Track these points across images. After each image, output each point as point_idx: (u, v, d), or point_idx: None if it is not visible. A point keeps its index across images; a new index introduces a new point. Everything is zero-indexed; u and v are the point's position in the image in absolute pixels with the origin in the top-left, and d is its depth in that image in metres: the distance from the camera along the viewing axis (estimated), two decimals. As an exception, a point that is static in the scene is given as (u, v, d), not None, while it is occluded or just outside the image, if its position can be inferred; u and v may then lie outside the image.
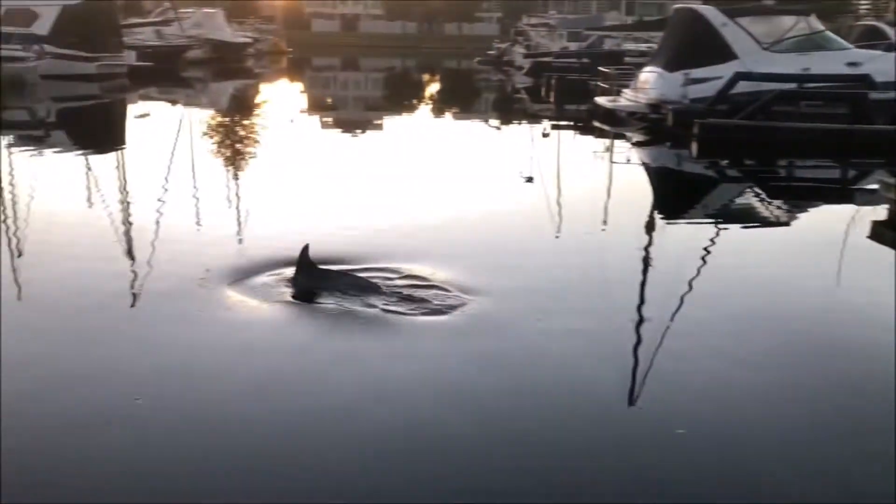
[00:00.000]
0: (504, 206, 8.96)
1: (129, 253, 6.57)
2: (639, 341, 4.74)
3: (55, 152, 13.19)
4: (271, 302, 5.26)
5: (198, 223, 7.89)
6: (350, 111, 24.59)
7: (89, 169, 11.28)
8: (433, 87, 36.84)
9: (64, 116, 19.95)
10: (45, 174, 10.84)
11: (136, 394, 3.96)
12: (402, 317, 4.98)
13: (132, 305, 5.34)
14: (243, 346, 4.64)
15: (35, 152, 12.91)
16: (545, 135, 16.71)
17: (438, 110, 25.02)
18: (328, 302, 5.23)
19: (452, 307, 5.13)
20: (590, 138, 16.18)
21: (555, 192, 9.78)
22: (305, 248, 5.53)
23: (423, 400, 4.00)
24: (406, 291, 5.33)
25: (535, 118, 20.74)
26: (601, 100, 18.14)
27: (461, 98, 30.14)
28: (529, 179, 10.60)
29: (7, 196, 8.99)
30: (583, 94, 20.91)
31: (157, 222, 7.65)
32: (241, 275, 5.74)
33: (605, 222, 8.35)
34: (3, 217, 7.91)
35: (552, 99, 23.30)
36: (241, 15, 65.70)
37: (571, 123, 19.42)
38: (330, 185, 9.98)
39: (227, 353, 4.58)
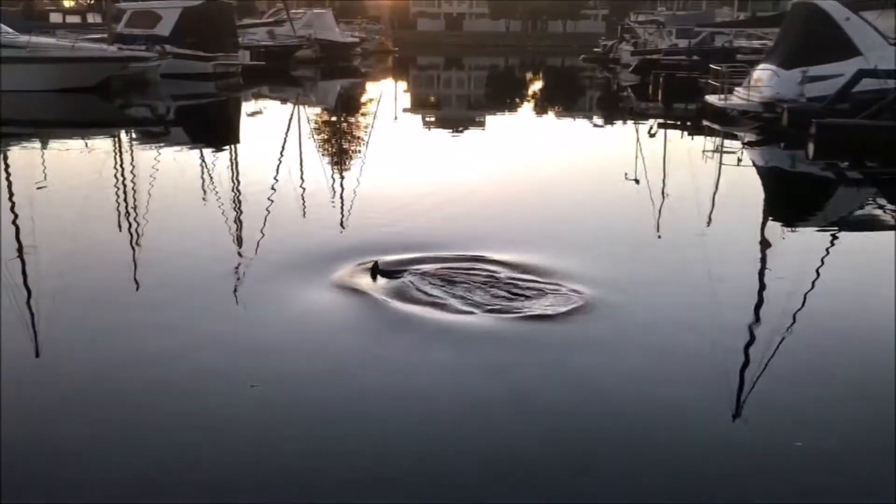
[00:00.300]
0: (609, 206, 8.82)
1: (238, 241, 6.85)
2: (747, 357, 4.56)
3: (174, 148, 13.89)
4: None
5: (303, 214, 8.10)
6: (453, 109, 24.73)
7: (204, 163, 11.82)
8: (536, 85, 36.61)
9: (182, 113, 20.94)
10: (165, 168, 11.41)
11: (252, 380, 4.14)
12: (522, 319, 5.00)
13: (235, 290, 5.54)
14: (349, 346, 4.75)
15: (155, 147, 13.63)
16: (651, 134, 16.32)
17: (541, 108, 24.83)
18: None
19: (572, 310, 5.11)
20: (699, 138, 15.69)
21: (661, 192, 9.52)
22: (375, 266, 5.70)
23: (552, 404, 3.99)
24: (514, 289, 5.36)
25: (641, 117, 20.29)
26: (711, 98, 17.59)
27: (565, 96, 29.82)
28: (635, 180, 10.38)
29: (129, 186, 9.54)
30: (692, 93, 20.30)
31: (267, 210, 7.91)
32: (343, 266, 5.89)
33: (713, 226, 8.06)
34: (126, 206, 8.38)
35: (659, 97, 22.76)
36: (349, 15, 67.22)
37: (679, 122, 18.90)
38: (432, 180, 10.08)
39: (330, 348, 4.69)
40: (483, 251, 6.29)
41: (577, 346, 4.65)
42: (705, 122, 16.64)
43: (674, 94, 21.98)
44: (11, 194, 9.29)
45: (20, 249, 6.57)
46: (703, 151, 14.01)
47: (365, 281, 5.63)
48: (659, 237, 7.51)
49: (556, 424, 3.77)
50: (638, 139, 15.71)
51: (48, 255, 6.33)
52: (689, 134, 16.48)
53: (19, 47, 20.77)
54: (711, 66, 19.97)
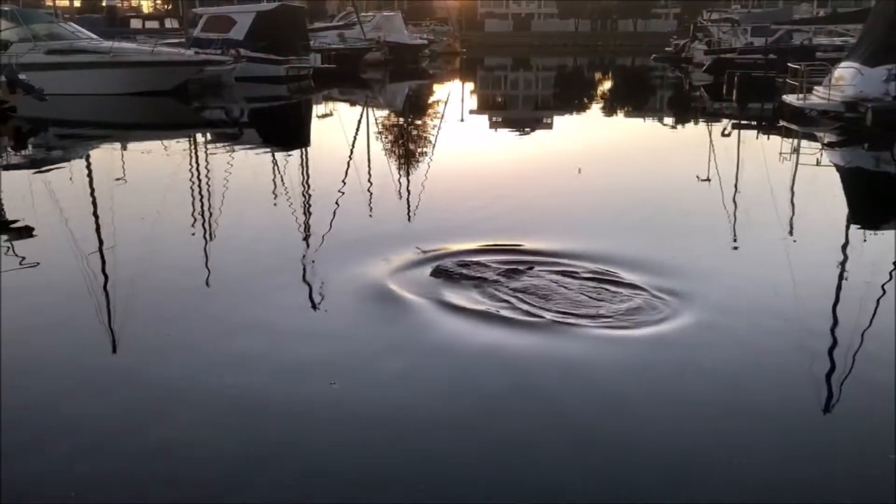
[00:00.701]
0: (681, 208, 8.62)
1: (307, 236, 6.97)
2: (832, 364, 4.40)
3: (246, 148, 14.23)
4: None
5: (370, 214, 8.17)
6: (520, 110, 24.62)
7: (275, 162, 12.07)
8: (605, 85, 36.13)
9: (255, 116, 21.43)
10: (238, 167, 11.68)
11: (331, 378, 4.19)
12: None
13: (308, 287, 5.62)
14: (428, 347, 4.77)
15: (229, 148, 13.98)
16: (725, 134, 15.90)
17: (610, 108, 24.50)
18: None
19: (659, 318, 5.02)
20: (775, 138, 15.21)
21: (736, 193, 9.26)
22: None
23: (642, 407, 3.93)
24: (590, 292, 5.31)
25: (714, 116, 19.80)
26: (789, 98, 17.04)
27: (635, 96, 29.34)
28: (707, 180, 10.13)
29: (204, 185, 9.81)
30: (768, 92, 19.72)
31: (334, 213, 8.01)
32: (414, 266, 5.92)
33: (792, 229, 7.79)
34: (201, 204, 8.61)
35: (734, 97, 22.19)
36: (417, 17, 67.72)
37: (755, 123, 18.38)
38: (499, 181, 10.04)
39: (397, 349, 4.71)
40: (549, 253, 6.23)
41: (665, 349, 4.56)
42: (782, 123, 16.12)
43: (749, 93, 21.41)
44: (93, 191, 9.69)
45: (100, 245, 6.84)
46: (780, 153, 13.56)
47: (435, 280, 5.65)
48: (735, 240, 7.30)
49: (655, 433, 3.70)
50: (711, 139, 15.33)
51: (127, 252, 6.54)
52: (764, 134, 16.00)
53: (103, 52, 21.62)
54: (789, 64, 19.37)
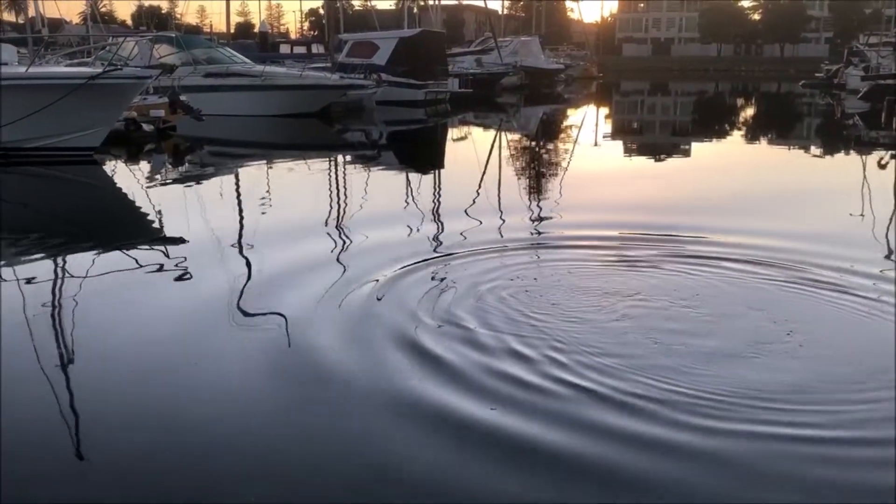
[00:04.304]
0: (832, 245, 8.07)
1: (437, 254, 7.08)
2: None
3: (384, 169, 14.73)
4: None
5: (500, 234, 8.20)
6: (656, 135, 24.08)
7: (409, 184, 12.42)
8: (748, 112, 34.75)
9: (393, 138, 22.12)
10: (375, 187, 12.10)
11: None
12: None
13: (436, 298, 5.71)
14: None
15: (367, 169, 14.52)
16: (882, 165, 14.91)
17: (753, 136, 23.54)
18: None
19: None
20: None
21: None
22: None
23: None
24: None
25: (869, 146, 18.61)
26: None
27: (780, 124, 28.07)
28: (860, 216, 9.51)
29: (342, 204, 10.24)
30: (932, 121, 18.27)
31: (463, 234, 8.11)
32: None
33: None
34: (339, 222, 8.98)
35: (893, 126, 20.75)
36: (555, 42, 67.86)
37: (916, 154, 17.11)
38: (631, 207, 9.84)
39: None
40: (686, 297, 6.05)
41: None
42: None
43: (910, 122, 19.99)
44: (240, 204, 10.32)
45: (240, 248, 7.29)
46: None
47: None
48: None
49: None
50: (865, 172, 14.41)
51: (268, 264, 6.89)
52: (927, 167, 14.86)
53: (255, 76, 23.04)
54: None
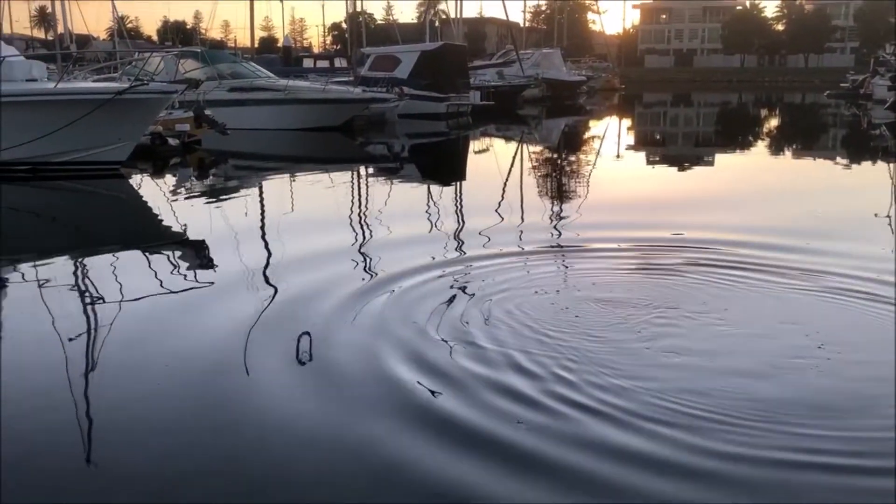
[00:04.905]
0: (857, 257, 7.97)
1: (457, 263, 7.08)
2: None
3: (405, 181, 14.79)
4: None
5: (522, 245, 8.19)
6: (679, 147, 23.96)
7: (430, 195, 12.47)
8: (772, 123, 34.50)
9: (415, 151, 22.20)
10: (396, 199, 12.15)
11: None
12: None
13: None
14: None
15: (389, 181, 14.59)
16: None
17: (777, 147, 23.36)
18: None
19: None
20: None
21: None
22: None
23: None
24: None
25: (896, 157, 18.38)
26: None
27: (805, 134, 27.83)
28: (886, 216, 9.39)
29: (362, 213, 10.29)
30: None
31: (485, 245, 8.12)
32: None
33: None
34: (362, 233, 9.03)
35: (921, 136, 20.52)
36: (577, 54, 67.86)
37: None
38: (656, 219, 9.78)
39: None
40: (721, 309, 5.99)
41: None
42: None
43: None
44: (264, 217, 10.42)
45: (267, 264, 7.36)
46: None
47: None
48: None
49: None
50: (893, 181, 14.24)
51: (290, 276, 6.94)
52: (956, 177, 14.66)
53: (279, 90, 23.26)
54: None
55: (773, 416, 3.97)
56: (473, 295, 6.13)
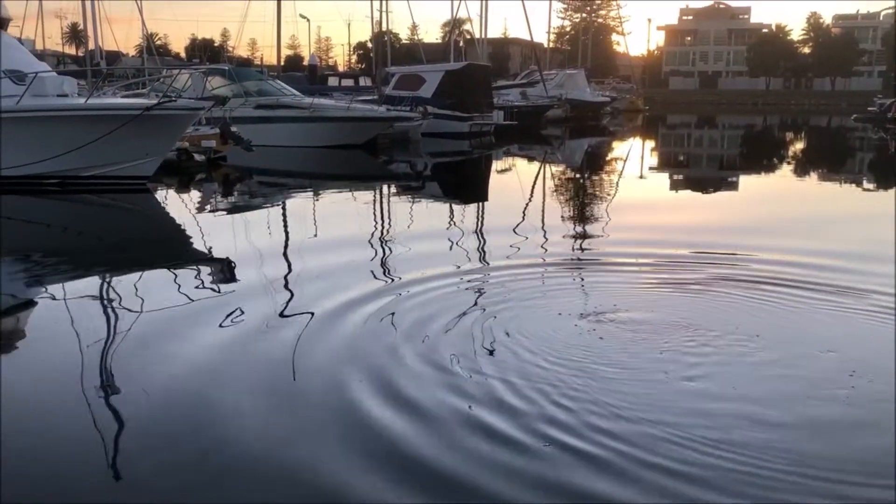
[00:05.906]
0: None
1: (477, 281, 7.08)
2: None
3: (427, 200, 14.83)
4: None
5: (544, 263, 8.16)
6: (703, 168, 23.84)
7: (452, 214, 12.49)
8: (797, 146, 34.24)
9: (437, 170, 22.29)
10: (418, 217, 12.19)
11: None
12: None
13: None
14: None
15: (411, 199, 14.64)
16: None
17: (802, 170, 23.15)
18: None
19: None
20: None
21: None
22: None
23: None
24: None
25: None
26: None
27: (831, 158, 27.58)
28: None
29: (384, 232, 10.33)
30: None
31: (506, 263, 8.10)
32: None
33: None
34: (382, 252, 9.06)
35: (949, 161, 20.24)
36: (601, 75, 67.91)
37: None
38: (679, 240, 9.71)
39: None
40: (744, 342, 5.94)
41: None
42: None
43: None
44: (287, 234, 10.50)
45: (287, 281, 7.39)
46: None
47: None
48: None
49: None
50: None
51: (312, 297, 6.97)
52: None
53: (304, 108, 23.50)
54: None
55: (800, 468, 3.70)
56: (485, 310, 6.15)
